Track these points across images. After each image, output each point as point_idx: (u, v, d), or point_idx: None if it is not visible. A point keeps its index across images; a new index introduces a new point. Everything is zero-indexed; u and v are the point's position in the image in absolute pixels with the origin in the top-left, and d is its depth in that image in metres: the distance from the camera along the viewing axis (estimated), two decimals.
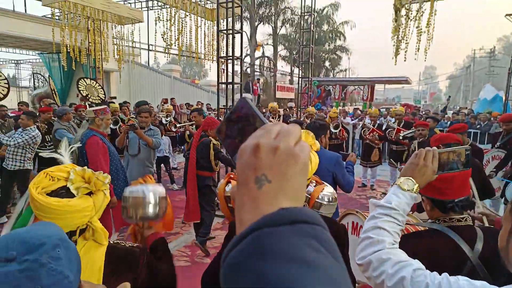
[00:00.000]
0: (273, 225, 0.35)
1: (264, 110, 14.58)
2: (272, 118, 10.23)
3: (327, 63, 30.95)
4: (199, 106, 12.49)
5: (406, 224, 1.71)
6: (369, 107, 18.47)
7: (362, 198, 7.06)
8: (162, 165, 7.28)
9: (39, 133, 5.14)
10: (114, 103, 8.79)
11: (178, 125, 5.62)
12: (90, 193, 1.13)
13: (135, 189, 1.46)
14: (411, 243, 1.41)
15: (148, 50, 15.83)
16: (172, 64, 19.43)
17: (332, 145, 8.13)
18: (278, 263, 0.33)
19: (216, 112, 8.93)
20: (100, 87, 9.06)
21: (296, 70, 29.12)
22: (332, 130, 4.72)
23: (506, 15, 15.59)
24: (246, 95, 18.37)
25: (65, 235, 0.66)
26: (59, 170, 1.12)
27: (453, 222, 1.37)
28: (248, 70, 23.35)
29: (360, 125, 9.33)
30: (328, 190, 1.74)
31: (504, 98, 14.32)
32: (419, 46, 7.05)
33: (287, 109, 14.04)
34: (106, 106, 3.71)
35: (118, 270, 0.85)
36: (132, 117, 5.37)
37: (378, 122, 8.03)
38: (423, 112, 15.18)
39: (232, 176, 1.73)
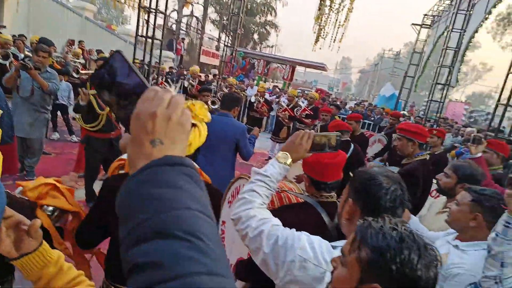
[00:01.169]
0: (159, 165, 0.47)
1: (185, 72, 14.11)
2: (192, 81, 10.01)
3: (255, 36, 31.01)
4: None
5: (290, 192, 1.97)
6: (288, 86, 19.34)
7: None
8: (59, 113, 6.60)
9: None
10: (1, 32, 7.48)
11: (82, 71, 5.05)
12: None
13: None
14: (286, 212, 1.67)
15: None
16: (85, 2, 17.04)
17: (253, 118, 8.43)
18: (160, 187, 0.45)
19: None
20: None
21: (224, 37, 28.55)
22: (210, 105, 4.90)
23: (412, 24, 17.71)
24: (168, 53, 17.36)
25: None
26: None
27: (322, 198, 1.64)
28: (174, 27, 21.99)
29: (276, 103, 9.78)
30: None
31: (398, 97, 16.53)
32: (335, 37, 7.63)
33: (208, 75, 13.83)
34: None
35: None
36: (28, 55, 4.62)
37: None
38: (332, 100, 16.60)
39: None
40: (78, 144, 5.55)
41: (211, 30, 28.74)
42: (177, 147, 0.51)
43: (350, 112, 11.89)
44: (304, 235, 1.15)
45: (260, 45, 31.74)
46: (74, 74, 4.78)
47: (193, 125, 1.47)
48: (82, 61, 8.78)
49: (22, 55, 6.57)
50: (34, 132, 4.24)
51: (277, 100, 10.33)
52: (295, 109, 7.80)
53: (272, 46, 32.78)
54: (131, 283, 0.40)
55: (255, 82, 16.05)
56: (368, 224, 0.83)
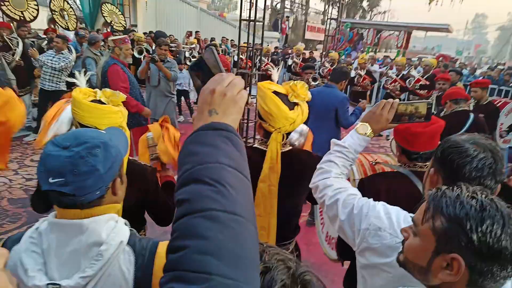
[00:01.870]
0: (204, 129, 0.60)
1: (289, 51, 14.19)
2: (296, 59, 10.04)
3: (364, 3, 28.72)
4: (223, 43, 12.31)
5: (385, 164, 1.92)
6: (402, 55, 17.49)
7: (375, 147, 7.21)
8: (182, 98, 7.56)
9: (74, 58, 5.44)
10: (135, 31, 8.83)
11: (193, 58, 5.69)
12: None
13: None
14: (376, 180, 1.65)
15: None
16: None
17: (355, 92, 8.02)
18: (201, 145, 0.58)
19: (236, 49, 8.83)
20: (120, 13, 9.01)
21: (330, 10, 27.34)
22: (311, 82, 4.72)
23: None
24: (273, 33, 17.69)
25: (110, 141, 0.89)
26: (86, 90, 1.47)
27: (416, 167, 1.56)
28: (278, 6, 22.14)
29: (384, 74, 9.05)
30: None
31: None
32: None
33: (313, 52, 13.59)
34: (125, 36, 3.82)
35: (131, 180, 1.08)
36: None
37: (404, 72, 7.78)
38: (461, 65, 14.30)
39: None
40: None
41: (316, 3, 27.85)
42: (229, 118, 0.63)
43: (481, 78, 10.13)
44: (381, 204, 1.15)
45: (370, 12, 29.31)
46: (188, 62, 5.49)
47: (296, 104, 1.59)
48: (195, 50, 9.73)
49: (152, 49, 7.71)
50: (167, 114, 4.98)
51: (385, 71, 9.54)
52: (408, 79, 7.09)
53: (384, 12, 29.89)
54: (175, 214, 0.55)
55: (365, 54, 15.05)
56: (442, 193, 0.80)
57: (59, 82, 5.39)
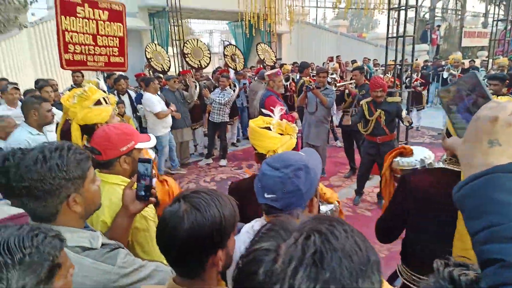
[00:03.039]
0: (505, 171, 0.52)
1: (443, 63, 12.70)
2: (453, 71, 8.92)
3: None
4: (364, 63, 12.07)
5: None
6: None
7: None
8: None
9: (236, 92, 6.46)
10: (285, 64, 9.69)
11: (338, 84, 5.81)
12: (281, 134, 1.66)
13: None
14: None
15: (317, 7, 16.01)
16: (339, 20, 18.98)
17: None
18: (505, 194, 0.50)
19: (383, 68, 8.51)
20: (272, 51, 10.09)
21: (493, 10, 23.25)
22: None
23: None
24: (421, 46, 16.18)
25: (309, 163, 1.01)
26: (265, 118, 1.77)
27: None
28: (427, 15, 20.25)
29: None
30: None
31: None
32: None
33: (474, 61, 11.76)
34: (278, 69, 4.24)
35: None
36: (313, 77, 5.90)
37: None
38: None
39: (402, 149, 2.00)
40: (341, 148, 6.36)
41: (474, 6, 24.22)
42: (511, 150, 0.55)
43: None
44: None
45: None
46: (333, 88, 5.63)
47: None
48: (336, 75, 9.87)
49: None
50: (319, 140, 5.15)
51: None
52: None
53: None
54: (486, 276, 0.48)
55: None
56: None
57: (224, 114, 6.40)
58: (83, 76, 6.12)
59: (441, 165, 1.50)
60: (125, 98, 5.91)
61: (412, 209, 1.49)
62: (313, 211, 1.04)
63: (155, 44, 8.75)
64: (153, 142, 1.62)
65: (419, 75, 9.09)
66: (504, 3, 9.64)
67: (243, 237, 1.09)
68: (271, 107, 1.94)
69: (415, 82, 8.10)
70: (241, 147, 7.79)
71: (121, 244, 1.17)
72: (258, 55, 9.45)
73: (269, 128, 1.68)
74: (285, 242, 0.50)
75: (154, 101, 5.26)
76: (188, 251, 0.83)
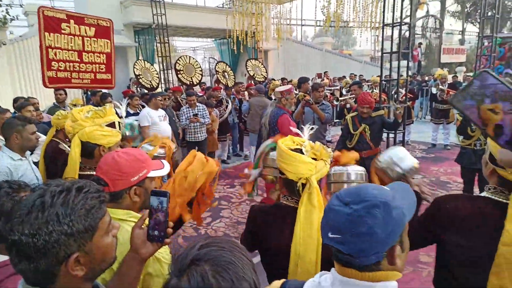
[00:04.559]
0: None
1: (426, 78, 12.98)
2: (441, 85, 9.05)
3: None
4: (351, 79, 12.21)
5: None
6: None
7: None
8: None
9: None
10: (274, 79, 9.65)
11: (340, 98, 5.77)
12: (315, 159, 1.44)
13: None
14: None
15: (302, 25, 16.26)
16: (323, 37, 19.33)
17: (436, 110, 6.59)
18: None
19: (378, 84, 8.56)
20: (263, 66, 10.04)
21: (469, 27, 24.34)
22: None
23: None
24: (404, 62, 16.64)
25: (392, 201, 0.80)
26: (295, 139, 1.55)
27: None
28: (407, 33, 20.94)
29: None
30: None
31: None
32: None
33: (457, 76, 12.07)
34: (291, 86, 4.07)
35: None
36: (304, 93, 5.79)
37: None
38: None
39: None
40: None
41: (451, 24, 25.32)
42: None
43: None
44: None
45: None
46: (335, 102, 5.57)
47: None
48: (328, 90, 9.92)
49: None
50: None
51: None
52: None
53: None
54: None
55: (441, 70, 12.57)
56: None
57: (203, 132, 6.13)
58: (66, 94, 5.82)
59: (483, 194, 1.37)
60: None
61: (446, 237, 1.37)
62: (394, 263, 0.83)
63: (144, 61, 8.53)
64: (166, 169, 1.41)
65: (407, 89, 9.19)
66: (479, 20, 9.95)
67: None
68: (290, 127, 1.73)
69: (403, 98, 8.16)
70: (232, 165, 7.55)
71: None
72: (248, 71, 9.37)
73: (301, 151, 1.46)
74: None
75: (145, 115, 5.18)
76: None
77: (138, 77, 7.93)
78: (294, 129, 1.78)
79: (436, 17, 21.92)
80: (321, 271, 0.96)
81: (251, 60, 9.48)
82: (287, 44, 16.39)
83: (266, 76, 9.35)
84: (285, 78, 10.74)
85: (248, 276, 0.70)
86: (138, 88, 8.74)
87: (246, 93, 7.51)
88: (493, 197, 1.32)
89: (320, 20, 10.90)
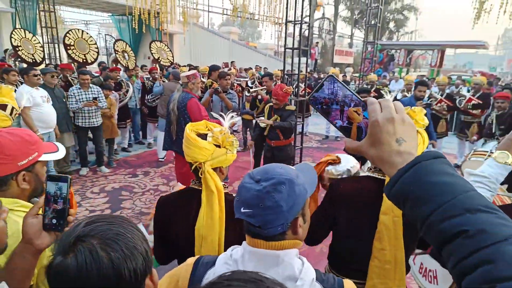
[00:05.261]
0: (426, 159, 0.56)
1: (322, 76, 14.30)
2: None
3: (391, 24, 28.76)
4: (257, 70, 12.62)
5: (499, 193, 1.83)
6: (437, 74, 17.14)
7: None
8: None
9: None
10: (179, 66, 9.29)
11: (251, 89, 5.87)
12: (218, 146, 1.45)
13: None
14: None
15: (209, 12, 16.00)
16: (230, 26, 19.42)
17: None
18: (439, 176, 0.54)
19: (279, 78, 8.99)
20: (169, 50, 9.56)
21: (357, 32, 27.53)
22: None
23: None
24: (303, 59, 17.97)
25: (296, 178, 0.89)
26: (209, 124, 1.55)
27: None
28: (306, 32, 22.60)
29: (427, 95, 8.82)
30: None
31: None
32: (506, 7, 6.38)
33: (346, 75, 13.63)
34: (195, 71, 4.00)
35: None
36: (214, 81, 5.67)
37: (447, 91, 7.58)
38: (503, 82, 13.73)
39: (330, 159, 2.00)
40: (243, 153, 6.37)
41: (342, 28, 28.25)
42: (413, 143, 0.61)
43: None
44: None
45: (397, 33, 29.25)
46: (246, 93, 5.63)
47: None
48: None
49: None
50: None
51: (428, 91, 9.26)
52: (458, 99, 6.89)
53: (411, 32, 29.74)
54: (452, 253, 0.50)
55: (397, 74, 14.90)
56: None
57: (98, 116, 5.57)
58: None
59: (366, 173, 1.65)
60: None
61: (339, 214, 1.60)
62: (297, 232, 0.92)
63: (24, 31, 7.17)
64: (62, 152, 1.26)
65: (306, 85, 9.95)
66: (365, 27, 11.40)
67: (221, 269, 0.92)
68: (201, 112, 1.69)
69: (302, 92, 8.83)
70: (134, 153, 7.07)
71: None
72: (152, 53, 8.78)
73: (206, 136, 1.47)
74: None
75: (24, 93, 4.40)
76: None
77: (17, 48, 6.66)
78: (216, 115, 1.76)
79: (331, 20, 24.24)
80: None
81: (155, 42, 8.89)
82: (194, 29, 15.96)
83: (172, 61, 8.92)
84: (191, 64, 10.46)
85: (139, 245, 0.71)
86: (17, 62, 7.36)
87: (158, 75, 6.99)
88: (373, 175, 1.57)
89: (227, 9, 10.86)
